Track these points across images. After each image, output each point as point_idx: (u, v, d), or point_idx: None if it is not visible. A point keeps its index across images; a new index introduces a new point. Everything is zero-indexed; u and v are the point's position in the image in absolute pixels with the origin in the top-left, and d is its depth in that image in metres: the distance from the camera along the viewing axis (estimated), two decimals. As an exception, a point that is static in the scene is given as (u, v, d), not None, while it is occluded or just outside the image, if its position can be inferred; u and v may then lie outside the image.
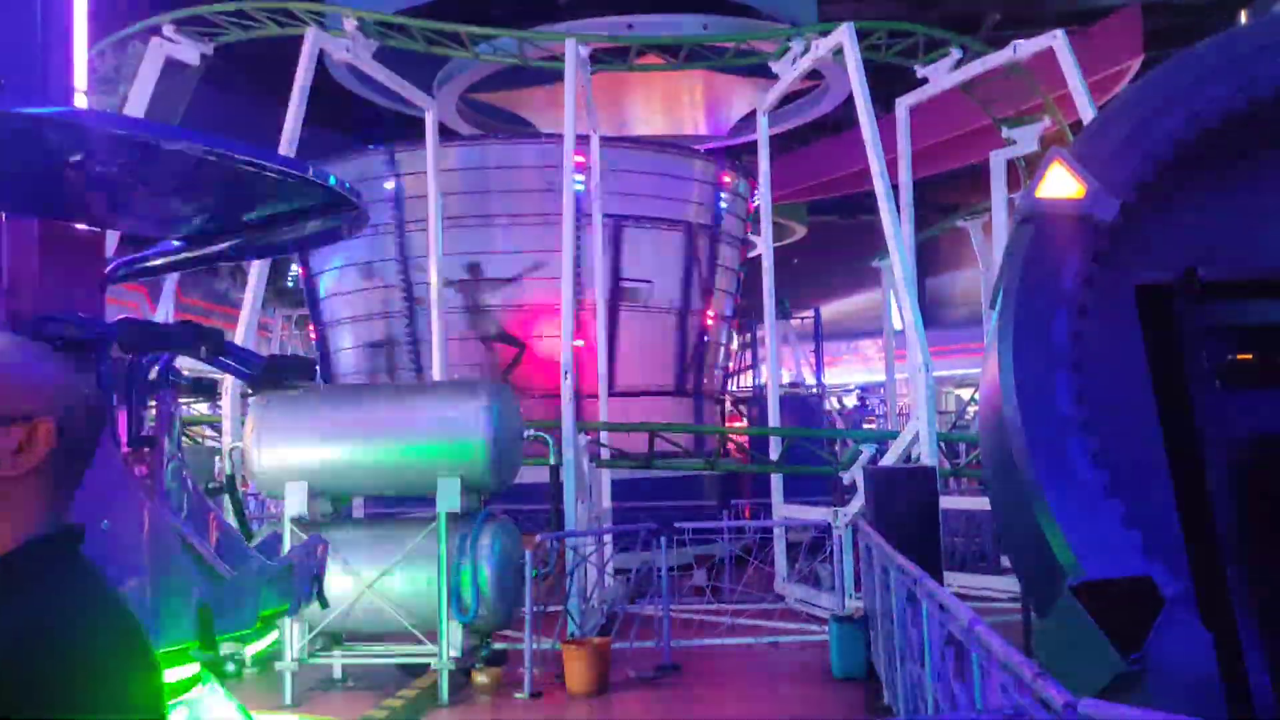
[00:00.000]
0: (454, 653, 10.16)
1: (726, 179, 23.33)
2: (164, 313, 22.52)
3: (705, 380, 23.32)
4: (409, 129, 22.39)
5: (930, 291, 41.44)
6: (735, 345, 31.20)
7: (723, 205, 23.12)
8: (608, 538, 14.33)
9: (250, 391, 11.36)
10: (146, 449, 4.71)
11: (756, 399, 27.57)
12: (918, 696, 6.69)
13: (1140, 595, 5.25)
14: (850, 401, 35.30)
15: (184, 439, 17.53)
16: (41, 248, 4.51)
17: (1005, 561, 15.96)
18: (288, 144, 14.16)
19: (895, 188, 15.88)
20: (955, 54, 17.26)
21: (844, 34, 15.29)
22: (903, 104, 17.64)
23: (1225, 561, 5.62)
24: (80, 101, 5.08)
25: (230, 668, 10.90)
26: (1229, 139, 6.22)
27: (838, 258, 38.57)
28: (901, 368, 23.67)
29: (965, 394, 37.84)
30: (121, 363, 4.64)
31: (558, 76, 16.32)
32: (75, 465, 1.62)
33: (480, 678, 10.49)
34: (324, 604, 5.13)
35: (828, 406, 29.48)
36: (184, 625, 4.18)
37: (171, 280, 23.18)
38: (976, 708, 4.31)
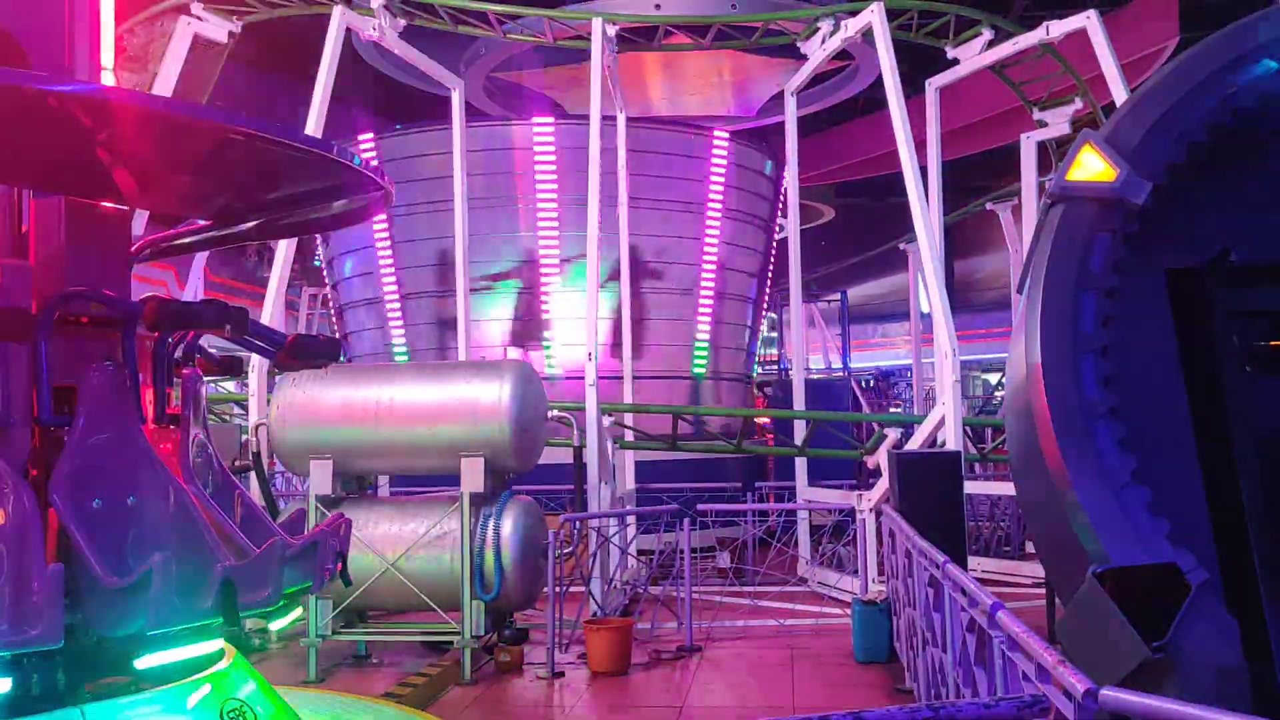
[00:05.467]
0: (477, 631, 10.24)
1: (753, 160, 23.25)
2: (192, 291, 22.72)
3: (729, 363, 23.30)
4: (436, 108, 22.41)
5: (958, 275, 41.09)
6: (762, 328, 31.16)
7: (750, 187, 23.03)
8: (631, 519, 14.36)
9: (276, 370, 11.43)
10: (171, 426, 4.74)
11: (782, 382, 27.53)
12: (939, 681, 6.67)
13: (1166, 582, 5.19)
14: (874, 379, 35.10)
15: (211, 417, 17.72)
16: (67, 226, 4.54)
17: (1029, 547, 15.89)
18: (315, 122, 14.19)
19: (924, 169, 15.73)
20: (987, 34, 17.04)
21: (874, 13, 15.13)
22: (933, 85, 17.46)
23: (1253, 549, 5.56)
24: (107, 79, 5.10)
25: (255, 643, 11.05)
26: (1264, 121, 6.11)
27: (866, 240, 38.33)
28: (929, 351, 23.53)
29: (992, 378, 37.58)
30: (147, 341, 4.67)
31: (584, 56, 16.26)
32: None
33: (502, 656, 10.57)
34: (346, 582, 5.15)
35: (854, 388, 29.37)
36: (208, 601, 4.22)
37: (200, 259, 23.40)
38: (997, 693, 4.29)
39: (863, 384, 31.27)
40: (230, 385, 22.04)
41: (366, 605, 10.85)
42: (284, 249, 14.22)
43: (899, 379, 36.64)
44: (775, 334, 36.18)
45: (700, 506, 12.77)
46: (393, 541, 10.42)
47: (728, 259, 22.29)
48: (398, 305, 21.54)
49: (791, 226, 17.71)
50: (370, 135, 21.68)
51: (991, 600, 4.65)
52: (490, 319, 20.63)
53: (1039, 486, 6.09)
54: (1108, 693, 2.82)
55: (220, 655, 4.86)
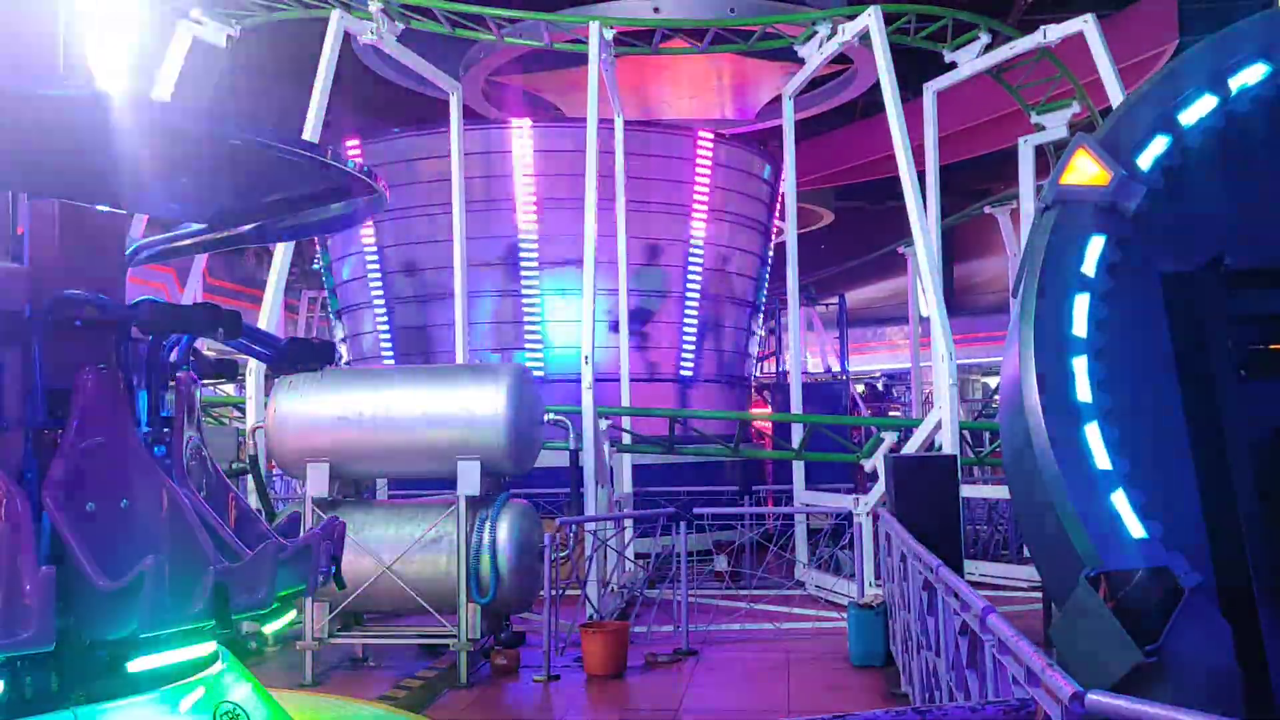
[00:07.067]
0: (473, 634, 10.24)
1: (753, 164, 23.30)
2: (191, 294, 22.72)
3: (728, 367, 23.35)
4: (435, 112, 22.43)
5: (958, 278, 41.14)
6: (760, 331, 31.18)
7: (748, 190, 23.09)
8: (628, 522, 14.35)
9: (273, 373, 11.45)
10: (165, 429, 4.75)
11: (780, 385, 27.54)
12: (933, 685, 6.67)
13: (1159, 586, 5.20)
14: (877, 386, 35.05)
15: (209, 419, 17.71)
16: (62, 229, 4.54)
17: (1028, 550, 15.88)
18: (312, 126, 14.19)
19: (922, 174, 15.74)
20: (984, 38, 17.07)
21: (871, 17, 15.16)
22: (930, 88, 17.48)
23: (1247, 552, 5.56)
24: (102, 83, 5.11)
25: (252, 646, 11.05)
26: (1258, 125, 6.12)
27: (865, 244, 38.35)
28: (927, 355, 23.59)
29: (992, 382, 37.58)
30: (141, 344, 4.67)
31: (583, 60, 16.29)
32: None
33: (498, 659, 10.57)
34: (340, 585, 5.15)
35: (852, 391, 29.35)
36: (200, 603, 4.22)
37: (199, 262, 23.41)
38: (988, 697, 4.29)
39: (859, 391, 31.19)
40: (230, 388, 22.04)
41: (363, 608, 10.85)
42: (281, 252, 14.22)
43: (898, 382, 36.57)
44: (771, 336, 36.13)
45: (697, 510, 12.75)
46: (389, 544, 10.41)
47: (722, 261, 22.39)
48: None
49: (789, 230, 17.71)
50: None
51: (983, 604, 4.66)
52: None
53: (1032, 489, 6.10)
54: (1094, 697, 2.83)
55: (214, 658, 4.87)
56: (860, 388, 31.96)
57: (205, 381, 5.76)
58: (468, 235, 17.73)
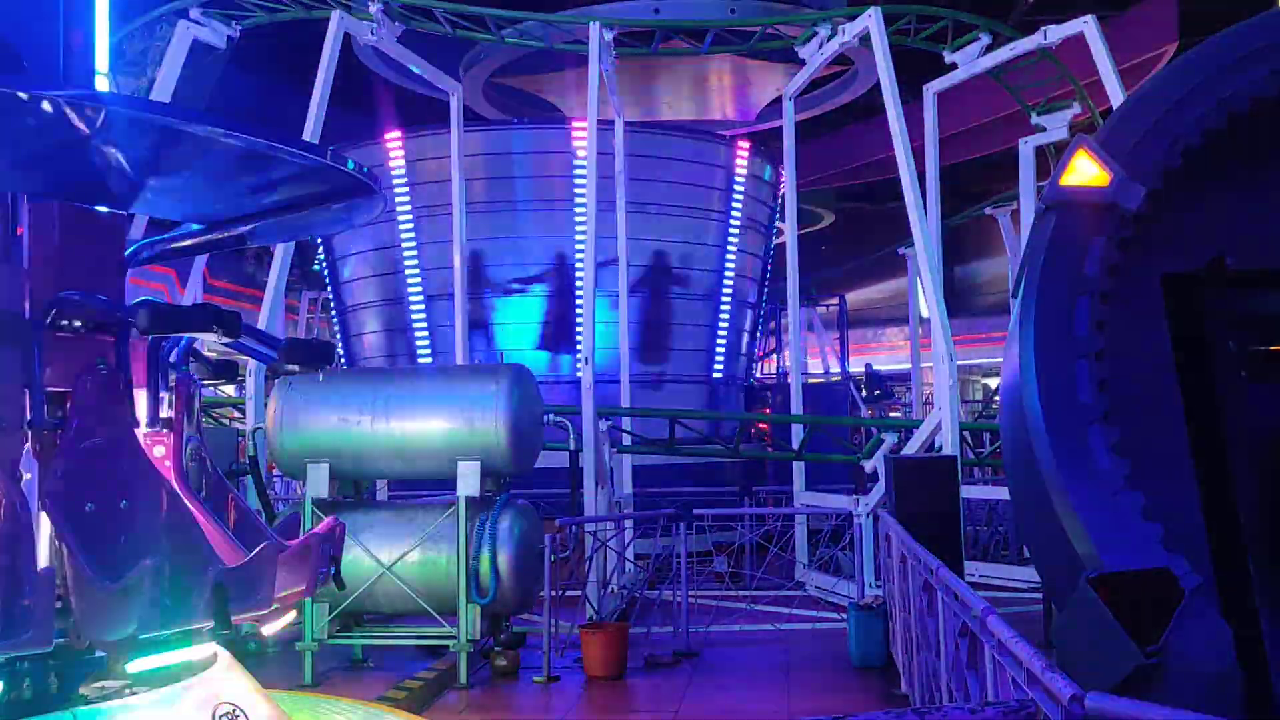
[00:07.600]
0: (473, 635, 10.23)
1: (754, 164, 23.32)
2: (191, 295, 22.71)
3: (729, 367, 23.38)
4: (435, 113, 22.43)
5: (958, 279, 41.13)
6: (759, 332, 31.18)
7: (749, 191, 23.13)
8: (628, 523, 14.34)
9: (271, 374, 11.45)
10: (165, 430, 4.74)
11: (780, 386, 27.55)
12: (932, 686, 6.67)
13: (1159, 587, 5.19)
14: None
15: (209, 420, 17.69)
16: (61, 230, 4.54)
17: (1028, 551, 15.87)
18: (312, 128, 14.19)
19: (923, 175, 15.74)
20: (984, 39, 17.07)
21: (871, 18, 15.16)
22: (931, 90, 17.47)
23: (1248, 554, 5.56)
24: (101, 84, 5.10)
25: (252, 647, 11.03)
26: (1259, 126, 6.12)
27: (866, 244, 38.36)
28: (928, 356, 23.58)
29: (993, 383, 37.59)
30: (140, 345, 4.67)
31: (584, 61, 16.29)
32: None
33: (498, 660, 10.56)
34: (340, 586, 5.14)
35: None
36: (200, 604, 4.21)
37: (200, 263, 23.40)
38: (987, 698, 4.29)
39: (856, 383, 31.11)
40: (230, 389, 22.02)
41: (363, 609, 10.84)
42: (281, 252, 14.22)
43: (897, 382, 36.55)
44: (771, 336, 36.08)
45: (697, 510, 12.74)
46: (389, 545, 10.40)
47: (737, 265, 22.52)
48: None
49: (790, 231, 17.71)
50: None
51: (983, 605, 4.66)
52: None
53: (1032, 491, 6.10)
54: (1094, 699, 2.82)
55: (213, 659, 4.86)
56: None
57: (205, 382, 5.75)
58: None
